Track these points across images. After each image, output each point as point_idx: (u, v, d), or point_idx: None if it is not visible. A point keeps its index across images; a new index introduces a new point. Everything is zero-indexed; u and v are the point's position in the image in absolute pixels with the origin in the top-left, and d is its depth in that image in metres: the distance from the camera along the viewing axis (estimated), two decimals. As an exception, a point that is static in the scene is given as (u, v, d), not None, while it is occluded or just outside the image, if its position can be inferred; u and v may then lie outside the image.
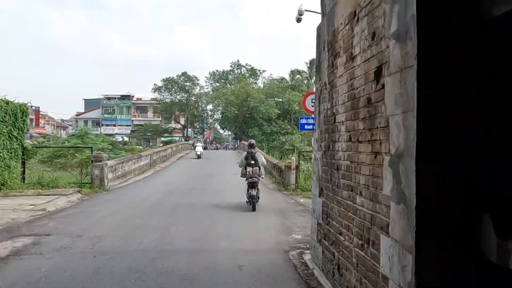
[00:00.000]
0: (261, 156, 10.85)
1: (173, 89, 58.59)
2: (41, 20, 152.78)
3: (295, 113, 53.06)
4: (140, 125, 66.83)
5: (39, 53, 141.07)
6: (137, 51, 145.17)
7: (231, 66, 58.83)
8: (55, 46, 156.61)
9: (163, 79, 58.18)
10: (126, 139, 63.33)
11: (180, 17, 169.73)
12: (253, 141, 11.73)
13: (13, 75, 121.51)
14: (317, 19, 9.47)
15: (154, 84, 58.46)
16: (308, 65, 58.90)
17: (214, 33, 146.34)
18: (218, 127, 70.47)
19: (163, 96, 59.02)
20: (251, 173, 10.08)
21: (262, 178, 10.47)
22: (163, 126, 64.62)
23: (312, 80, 58.86)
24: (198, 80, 59.30)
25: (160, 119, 65.77)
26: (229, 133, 58.12)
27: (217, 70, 59.08)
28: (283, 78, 54.49)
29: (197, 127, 65.11)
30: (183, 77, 58.12)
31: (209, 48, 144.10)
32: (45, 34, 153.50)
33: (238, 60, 58.56)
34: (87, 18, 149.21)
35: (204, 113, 59.82)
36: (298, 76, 54.64)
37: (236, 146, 53.23)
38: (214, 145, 60.14)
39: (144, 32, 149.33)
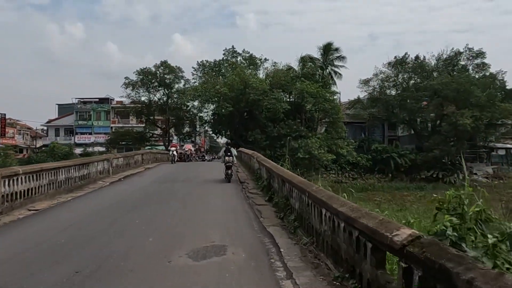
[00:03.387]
0: (233, 150, 17.99)
1: (150, 84, 50.33)
2: (38, 31, 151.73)
3: (311, 110, 44.69)
4: (120, 132, 58.71)
5: (35, 65, 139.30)
6: (135, 61, 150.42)
7: (224, 54, 50.67)
8: (51, 57, 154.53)
9: (137, 70, 49.66)
10: (102, 149, 55.74)
11: (177, 26, 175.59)
12: (228, 141, 22.94)
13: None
14: None
15: (126, 78, 50.05)
16: (322, 51, 50.84)
17: (212, 41, 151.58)
18: (211, 132, 62.00)
19: (137, 93, 50.75)
20: (227, 160, 16.59)
21: (235, 162, 18.12)
22: (148, 133, 56.47)
23: (328, 69, 50.63)
24: (182, 72, 51.02)
25: (143, 124, 57.79)
26: (223, 139, 49.73)
27: (207, 61, 50.93)
28: (290, 68, 46.29)
29: (184, 132, 56.67)
30: (162, 67, 49.86)
31: (207, 56, 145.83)
32: (42, 45, 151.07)
33: (233, 46, 50.50)
34: (84, 30, 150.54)
35: (192, 114, 51.25)
36: (310, 64, 46.45)
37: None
38: (197, 155, 51.34)
39: (141, 42, 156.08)
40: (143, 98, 51.21)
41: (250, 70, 44.90)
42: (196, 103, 44.49)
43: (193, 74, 49.75)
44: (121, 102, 62.94)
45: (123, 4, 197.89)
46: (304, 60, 46.09)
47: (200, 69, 49.79)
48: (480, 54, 50.20)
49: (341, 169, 44.70)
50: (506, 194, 39.39)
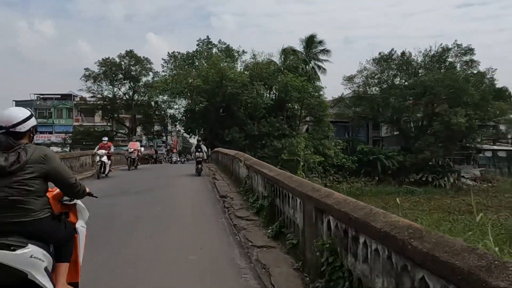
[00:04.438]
0: (204, 147, 18.54)
1: (115, 77, 44.50)
2: (6, 28, 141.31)
3: (292, 108, 40.29)
4: (80, 131, 52.43)
5: (5, 62, 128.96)
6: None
7: (198, 45, 45.55)
8: (20, 55, 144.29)
9: (99, 61, 43.79)
10: (56, 149, 49.64)
11: (152, 26, 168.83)
12: (199, 138, 21.61)
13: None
14: None
15: (86, 69, 43.98)
16: (305, 44, 46.54)
17: (189, 42, 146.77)
18: (183, 131, 56.60)
19: (100, 86, 44.72)
20: (198, 156, 17.52)
21: (205, 158, 18.56)
22: (112, 131, 50.47)
23: (311, 64, 46.36)
24: (150, 63, 45.46)
25: (110, 123, 51.86)
26: (197, 137, 44.33)
27: (178, 52, 45.63)
28: (271, 61, 41.66)
29: (153, 131, 51.15)
30: (128, 58, 44.15)
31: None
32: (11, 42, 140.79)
33: (208, 37, 45.41)
34: (56, 27, 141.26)
35: (162, 111, 45.71)
36: (292, 56, 41.98)
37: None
38: (169, 156, 45.53)
39: (115, 41, 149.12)
40: (106, 93, 45.38)
41: (226, 63, 40.00)
42: (165, 97, 39.16)
43: (163, 67, 44.41)
44: (85, 99, 56.68)
45: (97, 2, 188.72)
46: (286, 52, 41.61)
47: (171, 61, 44.48)
48: (469, 50, 47.17)
49: (325, 172, 40.61)
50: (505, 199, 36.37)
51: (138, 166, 20.56)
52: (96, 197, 3.65)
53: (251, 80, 34.36)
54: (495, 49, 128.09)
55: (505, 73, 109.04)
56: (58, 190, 3.22)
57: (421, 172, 43.47)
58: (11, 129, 2.80)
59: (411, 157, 43.20)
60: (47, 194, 3.02)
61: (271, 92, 39.26)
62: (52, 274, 2.89)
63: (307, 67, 43.91)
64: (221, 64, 35.95)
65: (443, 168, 44.60)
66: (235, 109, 34.50)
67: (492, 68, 47.27)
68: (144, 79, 45.57)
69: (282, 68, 38.43)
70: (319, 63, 46.06)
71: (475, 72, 46.96)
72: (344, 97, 51.07)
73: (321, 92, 39.41)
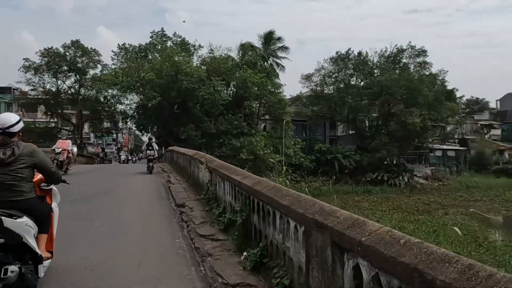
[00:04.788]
0: (155, 145, 18.97)
1: (59, 68, 40.72)
2: None
3: (250, 105, 38.82)
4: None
5: None
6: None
7: (152, 37, 42.76)
8: None
9: (40, 51, 39.67)
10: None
11: (103, 19, 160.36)
12: (151, 136, 23.22)
13: None
14: None
15: (25, 60, 39.77)
16: (263, 40, 45.20)
17: (142, 38, 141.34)
18: (135, 128, 53.50)
19: (41, 79, 40.72)
20: (149, 154, 17.79)
21: (156, 156, 19.09)
22: (55, 128, 46.43)
23: (270, 61, 45.12)
24: (99, 55, 42.08)
25: (54, 119, 47.60)
26: (149, 136, 41.53)
27: (130, 44, 42.62)
28: (229, 56, 39.89)
29: (102, 129, 47.68)
30: (73, 48, 40.54)
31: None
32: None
33: (162, 29, 42.80)
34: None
35: (111, 107, 42.40)
36: (251, 52, 40.46)
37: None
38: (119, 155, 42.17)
39: (64, 34, 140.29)
40: (49, 86, 41.39)
41: (182, 57, 37.69)
42: (115, 91, 36.22)
43: (112, 59, 41.21)
44: (26, 93, 51.80)
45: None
46: (244, 47, 40.01)
47: (122, 54, 41.44)
48: (422, 52, 48.05)
49: (281, 171, 39.59)
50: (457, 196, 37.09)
51: (70, 170, 16.38)
52: (69, 184, 4.68)
53: (209, 75, 32.44)
54: (440, 54, 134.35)
55: (449, 76, 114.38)
56: (39, 177, 4.12)
57: (377, 171, 43.63)
58: (6, 130, 3.69)
59: (368, 156, 43.25)
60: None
61: (229, 89, 37.60)
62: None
63: (265, 63, 42.59)
64: (176, 58, 33.72)
65: (398, 167, 45.07)
66: (191, 105, 32.45)
67: (443, 70, 48.49)
68: (91, 72, 42.08)
69: (241, 64, 36.84)
70: (278, 60, 44.99)
71: (427, 73, 47.94)
72: (302, 96, 50.44)
73: (281, 90, 38.25)
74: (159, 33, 42.29)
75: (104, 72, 40.57)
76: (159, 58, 36.70)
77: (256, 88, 33.08)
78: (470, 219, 25.43)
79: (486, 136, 65.62)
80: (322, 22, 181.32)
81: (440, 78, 48.30)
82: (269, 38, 44.28)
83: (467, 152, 56.74)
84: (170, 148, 23.28)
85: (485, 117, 73.87)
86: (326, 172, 43.60)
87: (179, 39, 42.16)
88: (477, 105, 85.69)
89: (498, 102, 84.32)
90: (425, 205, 31.57)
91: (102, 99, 41.53)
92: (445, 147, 54.58)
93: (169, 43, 41.95)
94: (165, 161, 24.48)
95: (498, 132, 69.36)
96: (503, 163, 56.10)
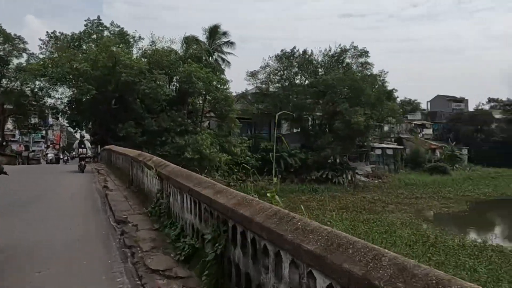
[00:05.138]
0: (88, 143, 18.94)
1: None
2: None
3: (194, 102, 36.80)
4: None
5: None
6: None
7: (86, 25, 38.97)
8: None
9: (-48, 36, 34.43)
10: None
11: (32, 8, 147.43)
12: (83, 134, 21.49)
13: None
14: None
15: None
16: (208, 34, 43.26)
17: (77, 30, 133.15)
18: (67, 125, 49.03)
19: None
20: (81, 152, 17.41)
21: (89, 155, 18.85)
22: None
23: (215, 56, 43.32)
24: (25, 43, 37.50)
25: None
26: (83, 133, 37.67)
27: (61, 33, 38.50)
28: (172, 49, 37.45)
29: (28, 125, 42.93)
30: (-6, 34, 35.66)
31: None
32: None
33: (98, 17, 39.20)
34: None
35: (40, 101, 37.93)
36: (195, 46, 38.34)
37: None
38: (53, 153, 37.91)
39: None
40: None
41: (120, 49, 34.63)
42: (43, 83, 32.35)
43: (41, 48, 36.95)
44: None
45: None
46: (189, 40, 37.84)
47: (52, 43, 37.34)
48: (364, 53, 48.86)
49: (228, 170, 38.08)
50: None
51: None
52: (8, 175, 5.55)
53: (150, 68, 29.98)
54: (375, 57, 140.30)
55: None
56: None
57: (321, 169, 43.66)
58: None
59: (314, 154, 43.14)
60: None
61: (172, 83, 35.27)
62: None
63: (210, 58, 40.71)
64: (114, 48, 30.80)
65: (342, 166, 45.51)
66: (131, 100, 29.80)
67: (384, 71, 49.64)
68: (15, 61, 37.40)
69: (185, 57, 34.70)
70: (223, 56, 43.28)
71: (369, 73, 48.85)
72: (247, 93, 49.29)
73: (227, 86, 36.61)
74: (95, 21, 38.71)
75: (31, 61, 36.25)
76: (94, 48, 33.45)
77: (201, 84, 31.15)
78: (416, 217, 25.76)
79: (420, 135, 69.03)
80: (265, 21, 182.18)
81: (381, 78, 49.39)
82: (214, 32, 42.44)
83: (403, 150, 59.07)
84: (107, 147, 20.81)
85: (417, 118, 77.82)
86: (272, 171, 42.85)
87: (117, 29, 38.93)
88: (410, 106, 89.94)
89: (429, 103, 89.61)
90: (371, 203, 31.70)
91: (28, 92, 37.09)
92: (384, 145, 56.22)
93: (106, 33, 38.55)
94: (101, 161, 21.94)
95: (430, 131, 73.37)
96: (434, 161, 59.25)
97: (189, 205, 4.86)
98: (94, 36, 37.63)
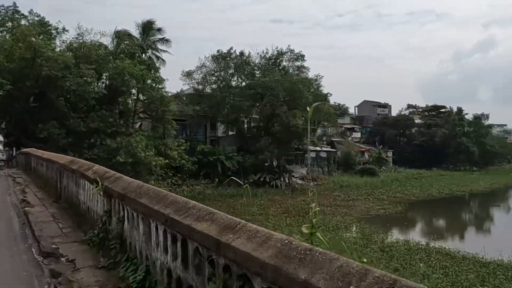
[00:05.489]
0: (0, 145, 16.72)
1: None
2: None
3: (126, 101, 33.99)
4: None
5: None
6: None
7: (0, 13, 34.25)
8: None
9: None
10: None
11: None
12: None
13: None
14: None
15: None
16: (141, 30, 40.51)
17: None
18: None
19: None
20: None
21: (3, 158, 16.77)
22: None
23: (149, 53, 40.68)
24: None
25: None
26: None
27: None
28: (101, 44, 34.22)
29: None
30: None
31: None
32: None
33: (15, 4, 34.58)
34: None
35: None
36: (128, 41, 35.48)
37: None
38: None
39: None
40: None
41: (41, 40, 30.77)
42: None
43: None
44: None
45: None
46: (120, 34, 34.93)
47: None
48: (300, 56, 49.27)
49: (163, 175, 35.77)
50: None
51: None
52: None
53: (77, 63, 26.87)
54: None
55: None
56: None
57: (259, 172, 43.01)
58: None
59: (251, 158, 42.36)
60: None
61: (101, 81, 32.18)
62: None
63: (144, 55, 38.05)
64: (34, 39, 27.18)
65: (279, 169, 45.22)
66: (54, 97, 26.48)
67: (319, 75, 50.43)
68: None
69: (116, 53, 31.88)
70: (158, 53, 40.83)
71: (304, 77, 49.30)
72: (182, 94, 47.18)
73: (163, 85, 34.33)
74: (10, 8, 34.24)
75: None
76: (8, 38, 29.39)
77: (135, 81, 28.70)
78: (357, 220, 25.88)
79: (350, 139, 71.62)
80: (202, 22, 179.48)
81: (316, 82, 50.08)
82: (148, 28, 39.89)
83: (335, 153, 60.70)
84: (25, 150, 17.88)
85: (346, 122, 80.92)
86: (208, 175, 41.29)
87: (36, 18, 34.73)
88: (339, 110, 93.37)
89: (356, 108, 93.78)
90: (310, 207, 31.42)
91: None
92: (318, 148, 57.16)
93: (23, 22, 34.21)
94: (18, 167, 18.87)
95: (358, 135, 76.51)
96: (363, 163, 61.77)
97: (163, 241, 3.33)
98: (9, 24, 33.20)
